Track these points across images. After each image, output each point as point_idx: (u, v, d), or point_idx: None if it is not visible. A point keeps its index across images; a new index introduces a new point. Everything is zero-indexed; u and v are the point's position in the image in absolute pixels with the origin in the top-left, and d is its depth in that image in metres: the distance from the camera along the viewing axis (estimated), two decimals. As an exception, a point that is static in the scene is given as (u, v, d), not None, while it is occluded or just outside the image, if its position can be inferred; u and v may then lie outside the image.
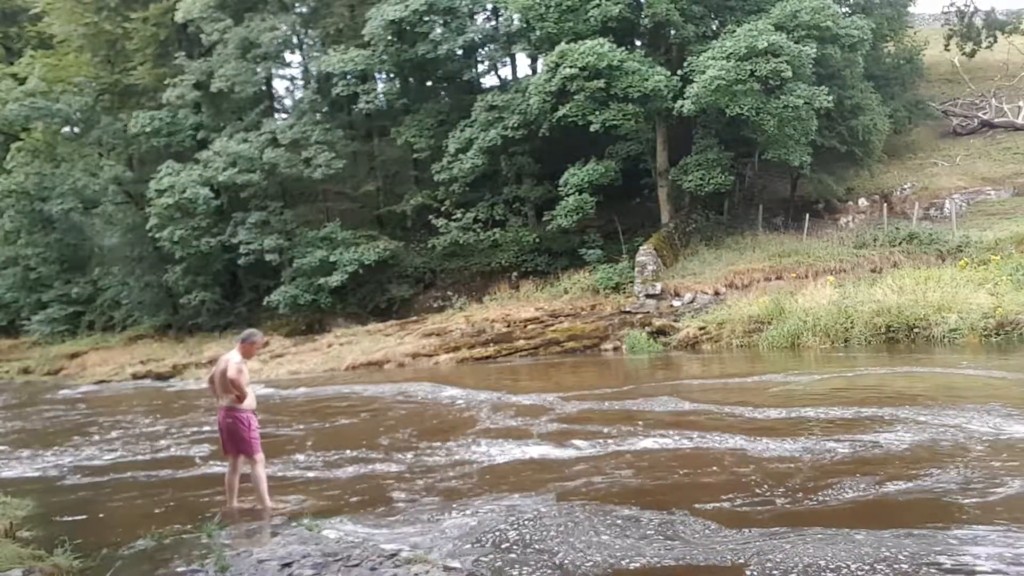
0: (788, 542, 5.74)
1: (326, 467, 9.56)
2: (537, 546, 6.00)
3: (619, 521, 6.47)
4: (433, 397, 15.36)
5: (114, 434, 13.58)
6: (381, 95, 29.96)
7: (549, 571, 5.55)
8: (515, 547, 6.01)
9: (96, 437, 13.43)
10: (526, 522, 6.55)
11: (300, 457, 10.22)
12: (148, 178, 30.24)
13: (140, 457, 11.27)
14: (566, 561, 5.66)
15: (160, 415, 15.90)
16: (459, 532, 6.44)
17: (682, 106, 22.95)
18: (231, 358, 7.48)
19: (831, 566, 5.27)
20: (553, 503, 7.13)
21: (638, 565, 5.56)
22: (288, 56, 33.53)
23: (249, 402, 7.50)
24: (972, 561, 5.29)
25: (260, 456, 7.58)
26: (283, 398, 17.58)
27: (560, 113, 24.20)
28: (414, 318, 26.89)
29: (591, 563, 5.61)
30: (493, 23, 30.39)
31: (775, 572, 5.25)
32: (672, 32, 25.73)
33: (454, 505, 7.30)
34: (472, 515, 6.90)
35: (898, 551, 5.45)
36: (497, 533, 6.31)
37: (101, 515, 8.21)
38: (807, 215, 25.32)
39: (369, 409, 14.55)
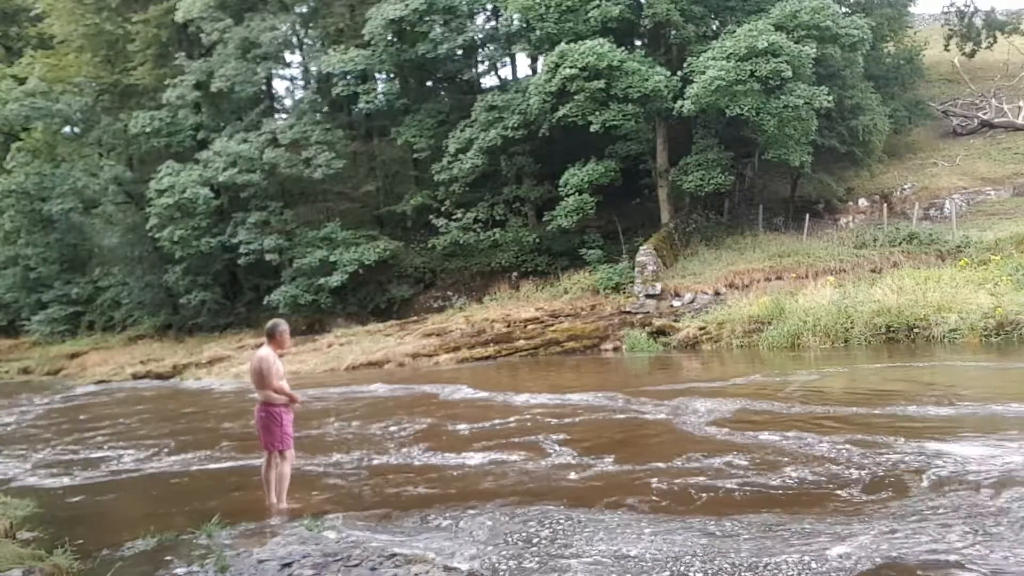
0: None
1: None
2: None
3: None
4: (537, 400, 13.56)
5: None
6: (381, 95, 29.97)
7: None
8: None
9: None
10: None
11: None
12: (148, 178, 30.27)
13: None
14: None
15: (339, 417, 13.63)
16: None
17: (682, 106, 22.94)
18: (263, 356, 7.46)
19: None
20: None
21: None
22: (288, 56, 33.67)
23: (283, 397, 7.50)
24: None
25: (290, 454, 7.60)
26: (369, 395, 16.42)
27: (560, 113, 24.19)
28: (414, 318, 26.88)
29: None
30: (493, 23, 30.38)
31: None
32: (672, 32, 25.74)
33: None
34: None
35: None
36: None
37: (101, 515, 8.20)
38: (807, 215, 25.31)
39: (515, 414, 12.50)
